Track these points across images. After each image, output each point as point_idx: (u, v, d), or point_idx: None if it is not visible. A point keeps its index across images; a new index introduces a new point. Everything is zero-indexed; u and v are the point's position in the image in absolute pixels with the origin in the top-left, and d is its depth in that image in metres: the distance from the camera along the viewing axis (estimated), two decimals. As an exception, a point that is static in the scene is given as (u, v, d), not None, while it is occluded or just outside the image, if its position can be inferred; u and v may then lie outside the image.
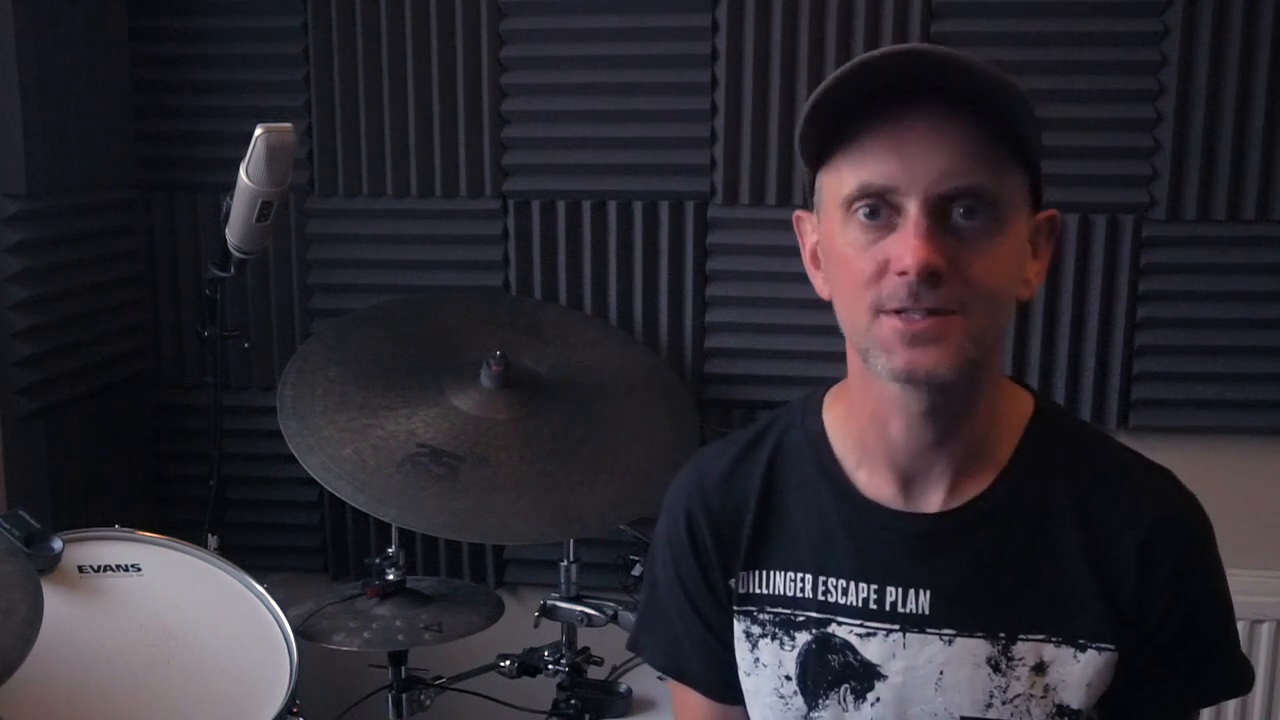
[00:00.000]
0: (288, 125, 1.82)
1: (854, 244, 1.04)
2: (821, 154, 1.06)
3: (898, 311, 1.01)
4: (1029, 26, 2.17)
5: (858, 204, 1.03)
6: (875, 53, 1.00)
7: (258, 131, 1.78)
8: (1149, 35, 2.15)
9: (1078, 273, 2.22)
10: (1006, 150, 1.02)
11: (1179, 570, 1.10)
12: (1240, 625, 1.21)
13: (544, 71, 2.31)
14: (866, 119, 1.02)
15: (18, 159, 2.05)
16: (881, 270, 1.02)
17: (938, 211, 1.00)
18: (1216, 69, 2.14)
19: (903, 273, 1.00)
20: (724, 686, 1.23)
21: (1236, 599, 1.16)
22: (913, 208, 1.00)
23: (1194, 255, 2.21)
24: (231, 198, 1.86)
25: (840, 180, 1.05)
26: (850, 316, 1.07)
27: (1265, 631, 2.22)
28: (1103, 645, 1.10)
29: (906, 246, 1.00)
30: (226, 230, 1.90)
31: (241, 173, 1.82)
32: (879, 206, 1.02)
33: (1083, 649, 1.11)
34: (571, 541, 2.05)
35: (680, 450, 2.02)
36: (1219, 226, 2.19)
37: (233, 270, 1.96)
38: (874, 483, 1.15)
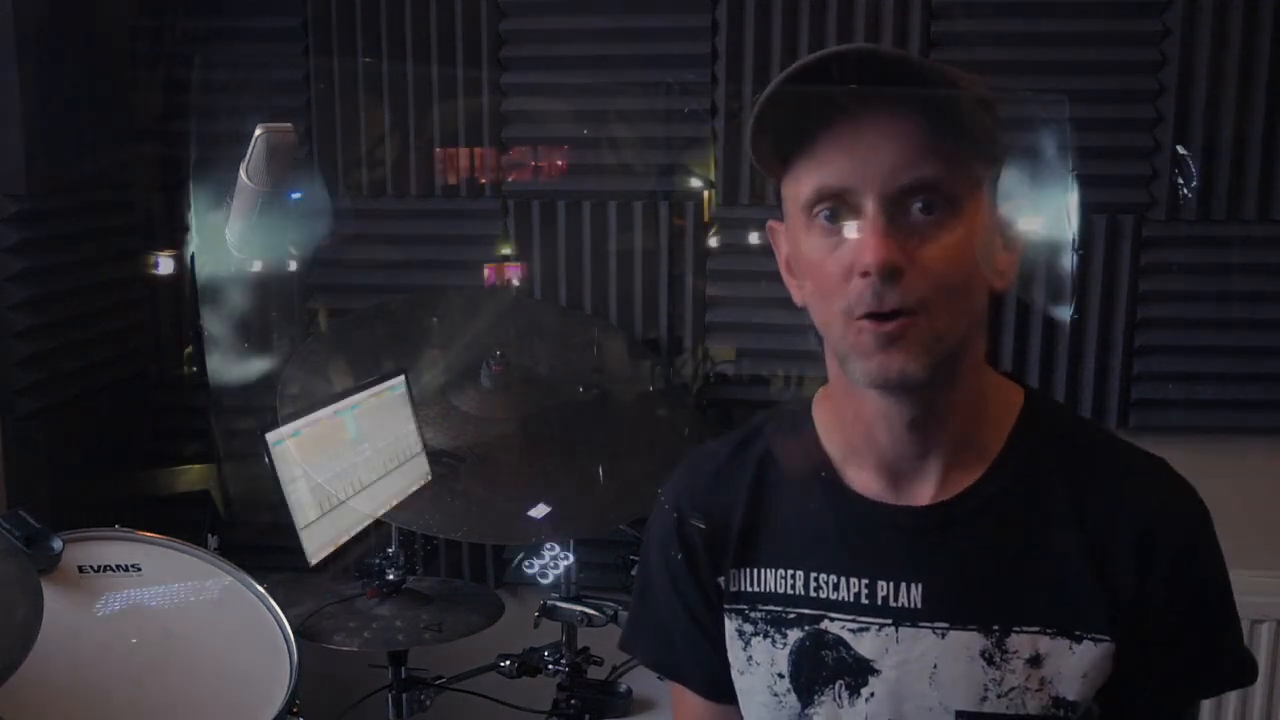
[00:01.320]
0: (288, 125, 1.82)
1: (819, 248, 1.05)
2: (783, 164, 1.07)
3: (867, 316, 1.02)
4: (1029, 26, 2.17)
5: (818, 207, 1.04)
6: (794, 66, 1.00)
7: (258, 131, 1.78)
8: (1149, 35, 2.15)
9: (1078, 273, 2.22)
10: (962, 142, 1.01)
11: (1178, 559, 1.09)
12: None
13: (544, 71, 2.31)
14: (820, 125, 1.02)
15: (18, 159, 2.05)
16: (848, 274, 1.02)
17: (895, 208, 1.01)
18: (1216, 69, 2.14)
19: (865, 273, 1.00)
20: (718, 685, 1.23)
21: (1236, 599, 1.16)
22: (870, 206, 1.01)
23: (1194, 255, 2.21)
24: (232, 198, 1.86)
25: (800, 186, 1.05)
26: (825, 321, 1.07)
27: (1265, 631, 2.22)
28: (1099, 636, 1.10)
29: (866, 245, 1.00)
30: (226, 230, 1.90)
31: (241, 173, 1.82)
32: (839, 209, 1.03)
33: (1079, 640, 1.10)
34: (571, 541, 2.05)
35: (680, 450, 2.02)
36: (1219, 226, 2.19)
37: (232, 270, 1.96)
38: (863, 478, 1.15)
